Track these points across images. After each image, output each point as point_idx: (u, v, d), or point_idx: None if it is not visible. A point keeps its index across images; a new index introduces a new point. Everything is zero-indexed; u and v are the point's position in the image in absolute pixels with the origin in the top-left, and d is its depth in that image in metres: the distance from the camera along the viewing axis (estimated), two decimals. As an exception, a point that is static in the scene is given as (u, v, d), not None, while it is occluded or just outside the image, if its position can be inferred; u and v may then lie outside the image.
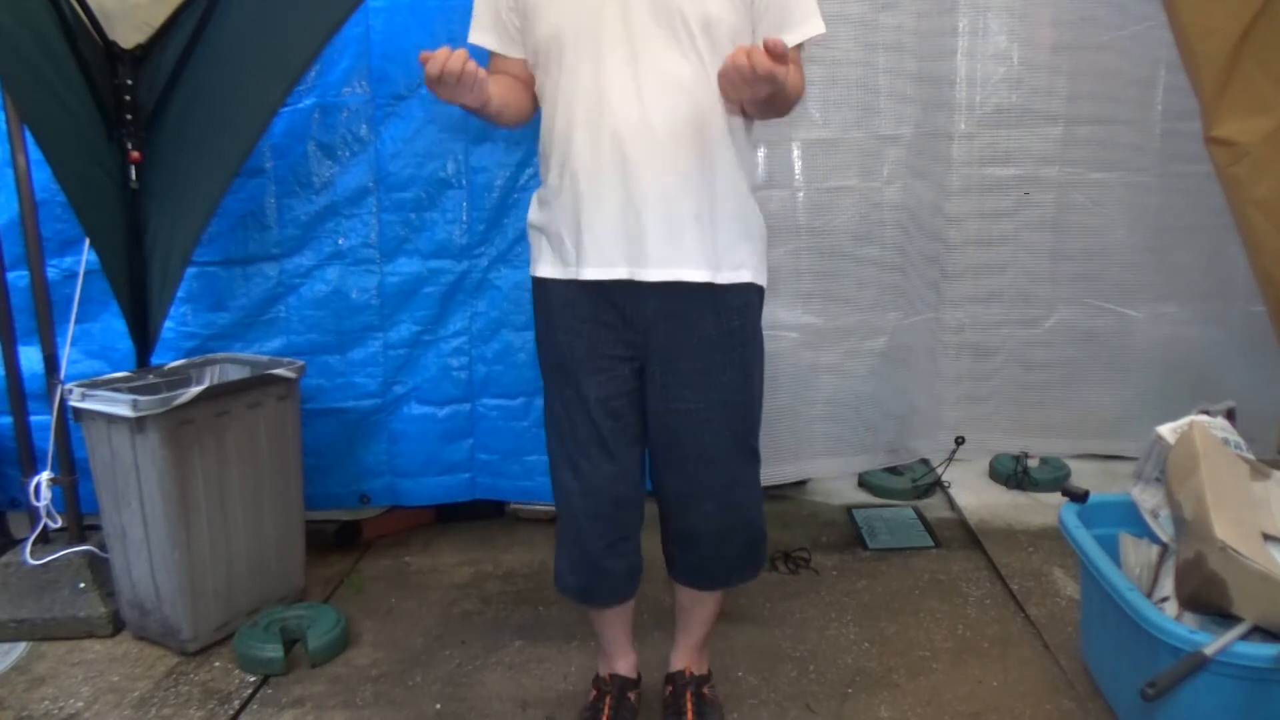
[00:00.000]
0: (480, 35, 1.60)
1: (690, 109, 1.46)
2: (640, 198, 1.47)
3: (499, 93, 1.52)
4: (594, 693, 1.85)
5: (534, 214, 1.63)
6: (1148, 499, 1.95)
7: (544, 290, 1.62)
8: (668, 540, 1.73)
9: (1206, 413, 1.91)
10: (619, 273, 1.51)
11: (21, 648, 2.16)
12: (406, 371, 2.61)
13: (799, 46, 1.53)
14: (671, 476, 1.64)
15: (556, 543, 1.74)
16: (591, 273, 1.52)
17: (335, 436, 2.60)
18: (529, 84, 1.61)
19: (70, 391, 2.07)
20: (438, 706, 1.94)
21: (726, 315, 1.56)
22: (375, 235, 2.52)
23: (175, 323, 2.48)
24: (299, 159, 2.47)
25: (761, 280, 1.62)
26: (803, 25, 1.52)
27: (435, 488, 2.69)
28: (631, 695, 1.85)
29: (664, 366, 1.57)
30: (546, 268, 1.60)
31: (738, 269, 1.56)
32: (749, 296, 1.60)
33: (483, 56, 1.60)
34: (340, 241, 2.52)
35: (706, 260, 1.51)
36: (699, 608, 1.80)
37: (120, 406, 1.97)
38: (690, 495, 1.63)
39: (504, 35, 1.59)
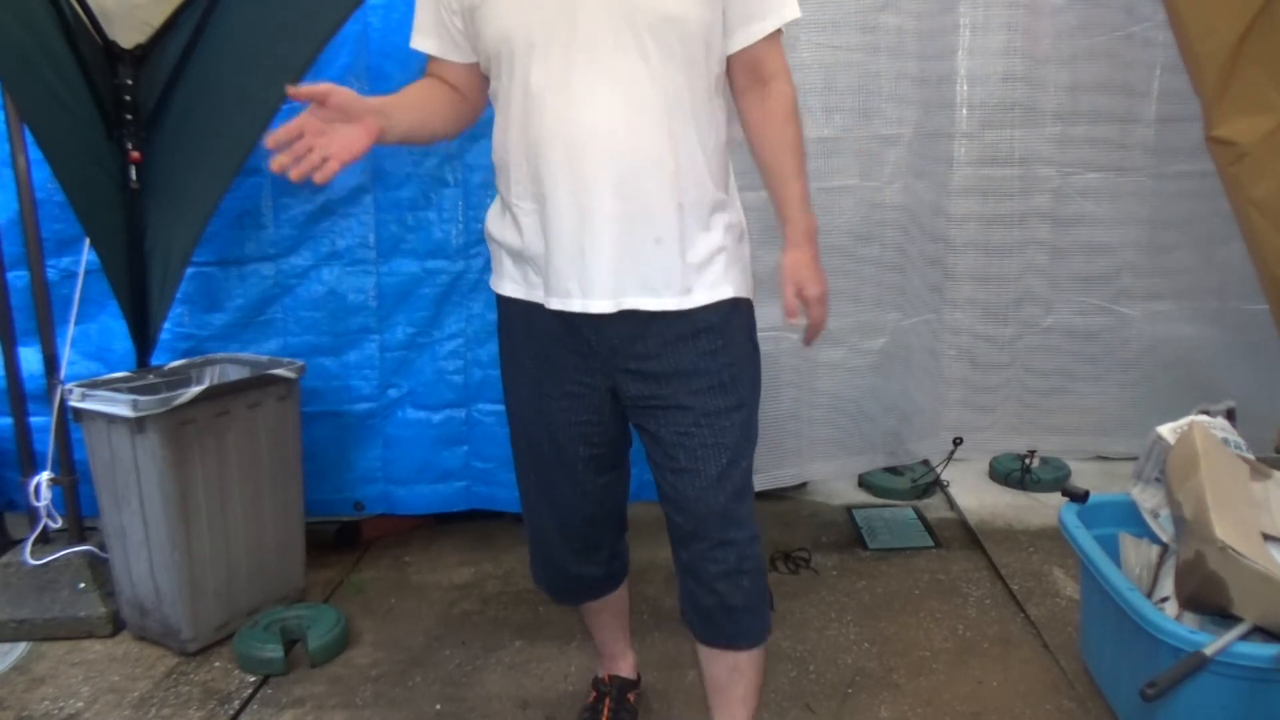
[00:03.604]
0: (421, 40, 1.48)
1: (650, 118, 1.32)
2: (595, 220, 1.33)
3: (412, 114, 1.43)
4: (593, 694, 1.85)
5: (493, 226, 1.50)
6: (1148, 499, 1.95)
7: (506, 308, 1.52)
8: (678, 573, 1.57)
9: (1206, 413, 1.92)
10: (572, 304, 1.37)
11: (21, 648, 2.16)
12: (402, 374, 2.59)
13: (777, 33, 1.41)
14: (670, 508, 1.49)
15: (528, 541, 1.69)
16: (551, 301, 1.39)
17: (330, 441, 2.58)
18: (466, 88, 1.50)
19: (70, 391, 2.07)
20: (438, 706, 1.94)
21: (705, 337, 1.41)
22: (372, 235, 2.51)
23: (171, 323, 2.47)
24: None
25: (744, 292, 1.47)
26: (776, 11, 1.39)
27: (430, 496, 2.66)
28: (631, 696, 1.85)
29: (644, 394, 1.43)
30: (509, 285, 1.48)
31: (713, 286, 1.41)
32: (730, 313, 1.43)
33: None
34: (337, 241, 2.51)
35: (671, 284, 1.37)
36: (732, 681, 1.55)
37: (120, 407, 1.97)
38: (687, 531, 1.47)
39: (445, 40, 1.46)
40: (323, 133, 1.28)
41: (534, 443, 1.55)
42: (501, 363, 1.58)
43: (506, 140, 1.39)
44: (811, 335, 1.50)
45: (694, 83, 1.36)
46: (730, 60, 1.42)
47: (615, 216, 1.33)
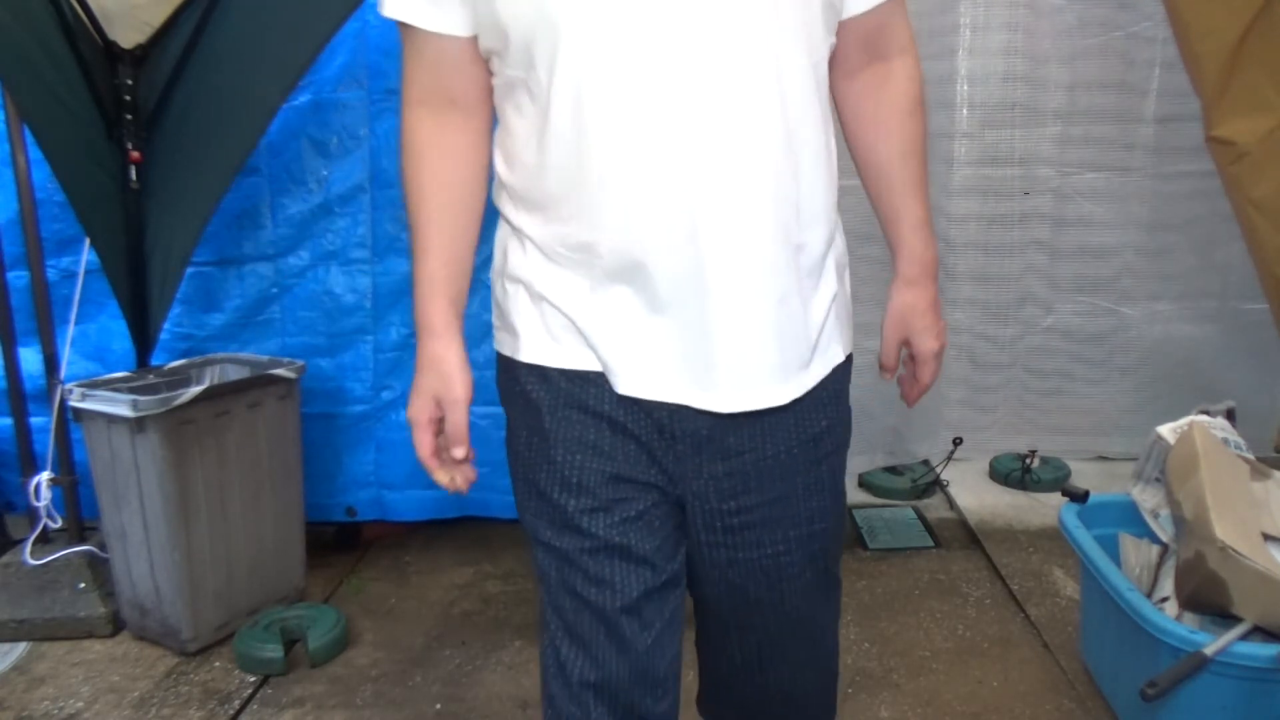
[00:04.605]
0: (398, 7, 0.95)
1: (766, 114, 0.90)
2: (711, 274, 0.91)
3: (463, 261, 1.09)
4: None
5: (518, 262, 1.02)
6: (1148, 499, 1.95)
7: (531, 381, 1.02)
8: (712, 701, 1.28)
9: (1206, 413, 1.92)
10: (666, 393, 0.96)
11: (21, 648, 2.16)
12: (396, 376, 2.55)
13: None
14: (728, 640, 1.15)
15: None
16: (628, 385, 0.97)
17: (323, 444, 2.55)
18: (479, 89, 1.00)
19: (70, 391, 2.07)
20: (438, 706, 1.94)
21: (811, 415, 1.03)
22: (369, 234, 2.49)
23: (170, 323, 2.46)
24: (293, 157, 2.45)
25: (850, 345, 1.10)
26: None
27: (423, 502, 2.60)
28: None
29: (719, 502, 1.03)
30: (539, 348, 1.00)
31: (828, 347, 1.03)
32: (838, 378, 1.06)
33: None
34: (335, 241, 2.49)
35: (800, 358, 0.99)
36: None
37: (120, 407, 1.97)
38: (758, 664, 1.15)
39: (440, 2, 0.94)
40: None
41: (575, 588, 1.03)
42: (514, 466, 1.09)
43: (559, 150, 0.92)
44: (916, 396, 1.15)
45: (816, 64, 0.94)
46: (840, 29, 1.01)
47: (743, 264, 0.92)
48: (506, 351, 1.06)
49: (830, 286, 1.03)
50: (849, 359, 1.10)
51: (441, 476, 1.03)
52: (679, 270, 0.91)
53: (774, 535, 1.06)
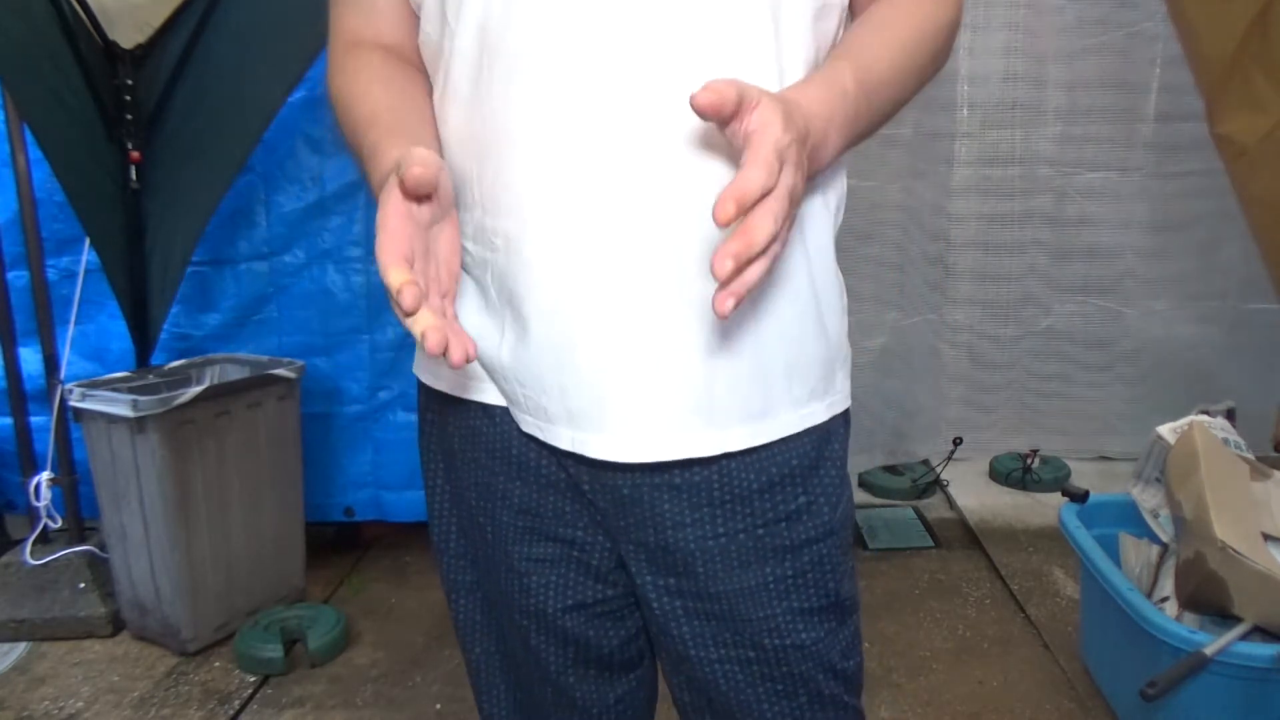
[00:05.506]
0: None
1: (730, 53, 0.69)
2: (622, 283, 0.70)
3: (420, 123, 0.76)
4: None
5: None
6: (1148, 499, 1.95)
7: (438, 410, 0.86)
8: None
9: (1206, 413, 1.92)
10: (553, 435, 0.76)
11: (21, 648, 2.16)
12: (393, 376, 2.54)
13: None
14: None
15: None
16: (524, 421, 0.78)
17: (321, 444, 2.55)
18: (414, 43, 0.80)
19: (70, 391, 2.07)
20: (438, 707, 1.94)
21: (782, 490, 0.78)
22: (364, 232, 2.48)
23: (167, 323, 2.45)
24: (288, 154, 2.44)
25: (847, 399, 0.83)
26: None
27: (421, 502, 2.57)
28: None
29: (659, 586, 0.81)
30: (448, 372, 0.82)
31: (806, 402, 0.77)
32: (827, 440, 0.80)
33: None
34: (330, 239, 2.48)
35: (745, 405, 0.74)
36: None
37: (120, 406, 1.97)
38: None
39: None
40: (425, 255, 0.70)
41: (496, 653, 0.91)
42: (428, 501, 0.92)
43: (443, 127, 0.76)
44: (733, 273, 0.59)
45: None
46: None
47: (658, 271, 0.69)
48: (416, 370, 0.87)
49: (821, 305, 0.76)
50: (846, 414, 0.83)
51: (422, 319, 0.66)
52: (579, 269, 0.70)
53: (732, 635, 0.80)
